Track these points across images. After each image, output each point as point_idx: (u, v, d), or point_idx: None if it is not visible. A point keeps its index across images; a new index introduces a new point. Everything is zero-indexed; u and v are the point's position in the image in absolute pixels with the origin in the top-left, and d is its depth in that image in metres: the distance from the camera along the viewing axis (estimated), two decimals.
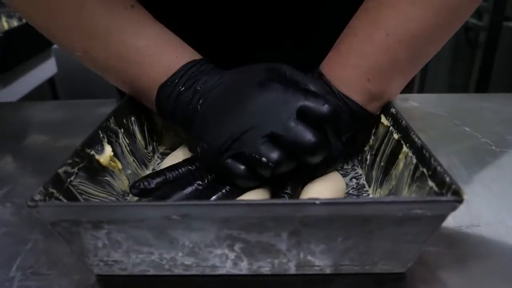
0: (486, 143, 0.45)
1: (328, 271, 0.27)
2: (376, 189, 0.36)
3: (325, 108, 0.30)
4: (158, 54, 0.36)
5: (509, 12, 1.48)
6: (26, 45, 1.07)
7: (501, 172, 0.40)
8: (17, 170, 0.43)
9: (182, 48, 0.37)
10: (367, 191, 0.37)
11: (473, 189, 0.37)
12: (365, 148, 0.39)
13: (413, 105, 0.56)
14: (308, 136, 0.30)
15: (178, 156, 0.38)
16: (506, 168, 0.40)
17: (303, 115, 0.30)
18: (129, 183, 0.36)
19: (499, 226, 0.33)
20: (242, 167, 0.31)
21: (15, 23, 1.08)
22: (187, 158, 0.37)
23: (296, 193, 0.32)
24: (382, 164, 0.35)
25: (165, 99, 0.36)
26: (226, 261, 0.27)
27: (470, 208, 0.35)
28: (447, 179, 0.25)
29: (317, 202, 0.23)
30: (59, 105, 0.64)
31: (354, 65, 0.35)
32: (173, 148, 0.42)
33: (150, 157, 0.42)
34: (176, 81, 0.35)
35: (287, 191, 0.32)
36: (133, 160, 0.38)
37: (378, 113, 0.37)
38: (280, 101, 0.31)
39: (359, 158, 0.41)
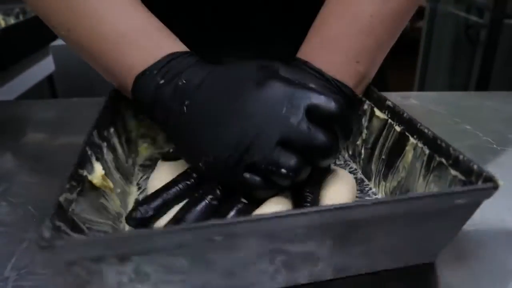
0: (487, 142, 0.45)
1: (363, 271, 0.27)
2: (379, 182, 0.35)
3: (333, 105, 0.28)
4: (140, 41, 0.33)
5: (510, 9, 1.47)
6: (23, 43, 1.07)
7: (502, 171, 0.39)
8: (13, 169, 0.43)
9: (166, 38, 0.35)
10: (368, 185, 0.37)
11: None
12: (357, 142, 0.39)
13: (413, 103, 0.56)
14: (321, 137, 0.28)
15: (163, 171, 0.35)
16: (507, 166, 0.40)
17: (311, 115, 0.28)
18: (120, 203, 0.32)
19: (500, 225, 0.32)
20: (259, 178, 0.28)
21: (12, 20, 1.08)
22: (182, 173, 0.33)
23: (317, 196, 0.31)
24: (383, 157, 0.35)
25: (143, 91, 0.33)
26: (264, 275, 0.24)
27: None
28: (475, 167, 0.25)
29: (368, 203, 0.22)
30: (56, 103, 0.64)
31: (342, 49, 0.35)
32: (152, 159, 0.40)
33: (132, 171, 0.39)
34: (155, 72, 0.32)
35: (308, 195, 0.30)
36: (120, 177, 0.35)
37: (361, 96, 0.37)
38: (284, 101, 0.29)
39: (350, 153, 0.41)
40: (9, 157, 0.46)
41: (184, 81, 0.32)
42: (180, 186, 0.31)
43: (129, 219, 0.30)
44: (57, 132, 0.51)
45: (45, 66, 1.22)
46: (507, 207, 0.34)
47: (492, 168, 0.39)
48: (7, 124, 0.54)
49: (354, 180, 0.34)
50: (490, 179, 0.24)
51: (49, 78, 1.29)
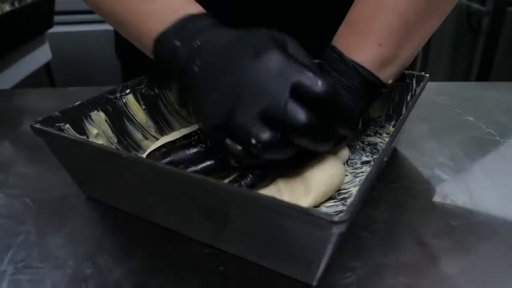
0: (489, 133, 0.44)
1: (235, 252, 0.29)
2: None
3: (319, 86, 0.27)
4: (160, 4, 0.34)
5: None
6: (20, 30, 1.05)
7: (505, 164, 0.39)
8: (10, 160, 0.42)
9: (186, 2, 0.36)
10: None
11: (478, 181, 0.36)
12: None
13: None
14: (299, 115, 0.27)
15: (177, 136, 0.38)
16: (509, 159, 0.40)
17: (297, 93, 0.28)
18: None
19: (504, 219, 0.32)
20: (239, 147, 0.29)
21: (7, 8, 1.06)
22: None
23: (258, 180, 0.31)
24: None
25: (162, 53, 0.34)
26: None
27: (475, 201, 0.34)
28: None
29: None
30: (54, 92, 0.63)
31: (364, 32, 0.34)
32: None
33: None
34: (172, 34, 0.33)
35: (250, 175, 0.31)
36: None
37: (390, 81, 0.36)
38: (274, 75, 0.29)
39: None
40: (6, 147, 0.46)
41: (198, 43, 0.33)
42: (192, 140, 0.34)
43: (150, 155, 0.34)
44: None
45: (41, 54, 1.20)
46: (509, 200, 0.34)
47: (495, 161, 0.39)
48: (3, 113, 0.54)
49: (342, 169, 0.34)
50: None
51: (47, 66, 1.28)
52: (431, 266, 0.28)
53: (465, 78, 1.66)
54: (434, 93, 0.54)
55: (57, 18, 1.26)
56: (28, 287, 0.27)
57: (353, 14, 0.36)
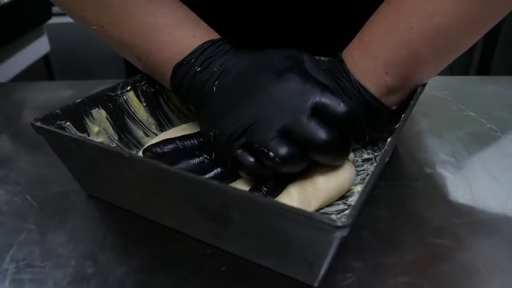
0: (491, 129, 0.44)
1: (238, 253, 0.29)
2: None
3: (341, 107, 0.28)
4: (175, 33, 0.35)
5: None
6: (17, 22, 1.04)
7: (507, 160, 0.39)
8: (10, 155, 0.42)
9: (200, 27, 0.36)
10: None
11: (479, 178, 0.36)
12: None
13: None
14: (320, 133, 0.28)
15: (187, 128, 0.39)
16: (511, 156, 0.39)
17: (318, 112, 0.29)
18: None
19: (505, 217, 0.32)
20: (251, 159, 0.30)
21: (5, 0, 1.05)
22: (199, 131, 0.36)
23: (275, 189, 0.31)
24: None
25: (181, 78, 0.35)
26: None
27: (476, 199, 0.34)
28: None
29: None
30: (53, 85, 0.62)
31: (373, 55, 0.33)
32: None
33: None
34: (193, 60, 0.34)
35: (268, 185, 0.31)
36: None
37: (395, 107, 0.36)
38: (295, 94, 0.29)
39: None
40: (6, 142, 0.45)
41: (218, 67, 0.34)
42: (193, 140, 0.35)
43: (146, 151, 0.34)
44: None
45: (40, 46, 1.19)
46: (510, 200, 0.34)
47: (496, 158, 0.39)
48: (2, 107, 0.54)
49: (350, 175, 0.33)
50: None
51: (46, 58, 1.27)
52: (433, 266, 0.28)
53: (466, 69, 1.65)
54: (436, 88, 0.54)
55: (55, 8, 1.25)
56: (30, 287, 0.27)
57: (368, 32, 0.34)
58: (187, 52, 0.34)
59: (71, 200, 0.35)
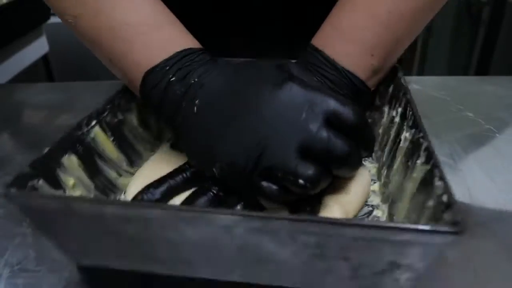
0: (489, 130, 0.44)
1: None
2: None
3: (353, 114, 0.27)
4: (151, 34, 0.32)
5: None
6: (16, 23, 1.04)
7: (504, 161, 0.39)
8: (6, 158, 0.42)
9: (179, 32, 0.33)
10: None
11: (477, 179, 0.36)
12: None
13: (414, 88, 0.55)
14: (341, 145, 0.27)
15: (162, 160, 0.36)
16: (509, 157, 0.39)
17: (331, 122, 0.27)
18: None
19: (502, 220, 0.32)
20: (275, 187, 0.27)
21: (3, 0, 1.05)
22: (179, 167, 0.33)
23: (315, 208, 0.30)
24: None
25: (152, 87, 0.32)
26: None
27: (474, 201, 0.34)
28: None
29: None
30: (52, 87, 0.62)
31: (357, 41, 0.34)
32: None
33: None
34: (167, 68, 0.31)
35: (307, 208, 0.29)
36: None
37: (373, 88, 0.37)
38: (304, 106, 0.27)
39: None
40: (3, 144, 0.45)
41: (196, 80, 0.31)
42: (187, 174, 0.32)
43: (136, 200, 0.31)
44: (52, 118, 0.50)
45: (38, 47, 1.19)
46: (509, 199, 0.34)
47: (495, 160, 0.39)
48: (1, 109, 0.53)
49: (369, 177, 0.33)
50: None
51: (45, 59, 1.27)
52: (431, 268, 0.28)
53: (465, 68, 1.65)
54: (434, 89, 0.54)
55: None
56: None
57: (342, 20, 0.34)
58: (161, 58, 0.31)
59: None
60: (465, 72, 1.63)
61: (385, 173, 0.34)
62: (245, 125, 0.28)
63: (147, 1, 0.33)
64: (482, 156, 0.40)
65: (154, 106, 0.33)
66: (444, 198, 0.23)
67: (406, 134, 0.32)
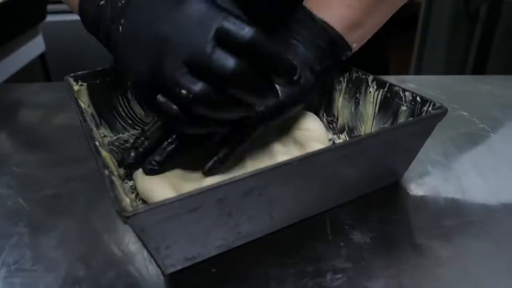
0: (483, 129, 0.44)
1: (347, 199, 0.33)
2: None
3: (245, 31, 0.25)
4: None
5: None
6: (12, 23, 1.04)
7: (497, 161, 0.39)
8: (3, 158, 0.42)
9: None
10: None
11: (470, 178, 0.37)
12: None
13: (410, 87, 0.55)
14: (226, 61, 0.25)
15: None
16: (503, 156, 0.40)
17: (223, 41, 0.26)
18: None
19: (495, 218, 0.32)
20: (175, 107, 0.27)
21: None
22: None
23: (227, 156, 0.32)
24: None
25: (86, 11, 0.34)
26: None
27: (467, 199, 0.34)
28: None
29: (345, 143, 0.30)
30: (48, 87, 0.62)
31: None
32: None
33: None
34: None
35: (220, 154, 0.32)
36: None
37: (356, 46, 0.37)
38: (196, 22, 0.27)
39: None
40: (0, 144, 0.45)
41: (123, 2, 0.32)
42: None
43: (121, 163, 0.34)
44: (50, 117, 0.50)
45: (35, 46, 1.19)
46: (502, 201, 0.34)
47: (488, 159, 0.39)
48: None
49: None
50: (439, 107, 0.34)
51: (41, 58, 1.26)
52: (423, 267, 0.28)
53: (462, 66, 1.66)
54: (429, 87, 0.54)
55: (50, 7, 1.24)
56: None
57: None
58: None
59: (63, 203, 0.35)
60: (462, 70, 1.63)
61: (324, 114, 0.43)
62: (147, 41, 0.28)
63: None
64: (476, 155, 0.40)
65: (91, 29, 0.35)
66: (418, 98, 0.35)
67: (341, 79, 0.41)
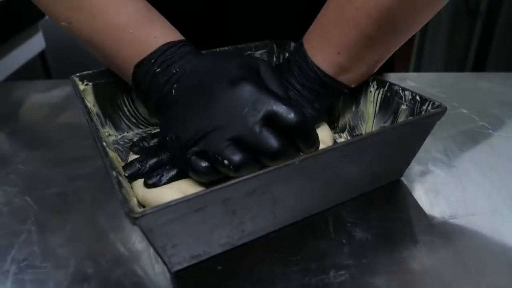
0: (483, 127, 0.45)
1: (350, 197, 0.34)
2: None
3: (292, 117, 0.30)
4: (138, 32, 0.36)
5: None
6: (12, 20, 1.03)
7: (498, 159, 0.39)
8: (8, 156, 0.42)
9: (162, 27, 0.37)
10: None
11: (470, 176, 0.37)
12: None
13: (410, 85, 0.55)
14: (272, 142, 0.29)
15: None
16: (503, 154, 0.40)
17: (270, 121, 0.30)
18: None
19: (494, 216, 0.33)
20: (204, 164, 0.31)
21: None
22: (140, 138, 0.39)
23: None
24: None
25: (141, 78, 0.36)
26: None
27: (467, 198, 0.34)
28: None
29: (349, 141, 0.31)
30: (50, 84, 0.62)
31: (326, 38, 0.36)
32: None
33: None
34: (153, 61, 0.35)
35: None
36: None
37: (354, 85, 0.38)
38: (248, 103, 0.31)
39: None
40: (4, 143, 0.46)
41: (177, 70, 0.35)
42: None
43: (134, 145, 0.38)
44: (51, 116, 0.51)
45: (35, 44, 1.19)
46: (503, 198, 0.34)
47: (488, 156, 0.40)
48: (1, 107, 0.54)
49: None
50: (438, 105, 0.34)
51: (41, 56, 1.26)
52: (424, 264, 0.29)
53: (462, 61, 1.66)
54: (429, 85, 0.54)
55: None
56: (31, 287, 0.28)
57: (322, 16, 0.37)
58: (147, 52, 0.35)
59: (70, 200, 0.35)
60: (462, 67, 1.63)
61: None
62: (200, 112, 0.32)
63: (131, 2, 0.36)
64: (476, 152, 0.41)
65: (144, 95, 0.37)
66: (417, 97, 0.35)
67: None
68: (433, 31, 1.77)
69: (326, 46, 0.36)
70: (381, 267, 0.28)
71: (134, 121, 0.44)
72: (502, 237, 0.31)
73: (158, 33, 0.36)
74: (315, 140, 0.31)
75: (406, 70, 1.73)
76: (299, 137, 0.30)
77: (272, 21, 0.52)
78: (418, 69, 1.77)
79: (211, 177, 0.31)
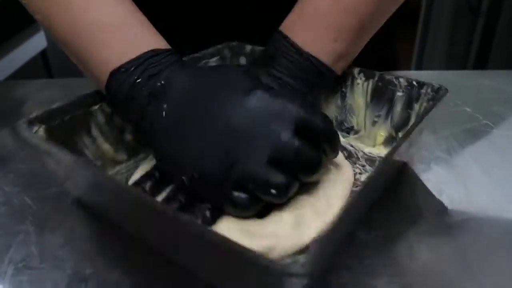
0: (486, 125, 0.44)
1: None
2: None
3: (322, 122, 0.28)
4: (118, 34, 0.31)
5: None
6: (13, 19, 1.03)
7: (500, 157, 0.39)
8: (7, 156, 0.42)
9: (148, 32, 0.33)
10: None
11: (473, 175, 0.37)
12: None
13: None
14: (311, 154, 0.27)
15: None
16: (506, 152, 0.40)
17: (300, 131, 0.28)
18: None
19: (499, 217, 0.32)
20: (245, 196, 0.27)
21: None
22: (145, 175, 0.33)
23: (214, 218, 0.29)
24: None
25: (117, 88, 0.31)
26: None
27: (470, 197, 0.34)
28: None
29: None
30: (51, 83, 0.62)
31: (321, 26, 0.35)
32: None
33: None
34: (132, 68, 0.30)
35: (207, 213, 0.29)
36: None
37: (340, 73, 0.37)
38: (272, 114, 0.28)
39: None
40: (4, 142, 0.46)
41: (162, 82, 0.30)
42: (152, 180, 0.32)
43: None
44: None
45: (36, 43, 1.19)
46: (506, 197, 0.34)
47: (491, 155, 0.39)
48: (1, 106, 0.54)
49: (351, 170, 0.35)
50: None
51: (43, 55, 1.26)
52: (427, 264, 0.28)
53: (464, 59, 1.65)
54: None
55: None
56: None
57: (308, 6, 0.35)
58: (127, 58, 0.30)
59: (69, 201, 0.35)
60: (464, 64, 1.63)
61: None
62: (215, 134, 0.28)
63: (115, 1, 0.32)
64: (479, 151, 0.40)
65: (119, 106, 0.32)
66: (414, 82, 0.37)
67: None
68: (435, 29, 1.77)
69: (321, 35, 0.35)
70: (383, 268, 0.28)
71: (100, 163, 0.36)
72: (505, 236, 0.30)
73: (142, 38, 0.32)
74: (338, 142, 0.30)
75: (407, 68, 1.72)
76: (326, 141, 0.29)
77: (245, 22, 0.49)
78: (419, 67, 1.76)
79: (253, 209, 0.28)
